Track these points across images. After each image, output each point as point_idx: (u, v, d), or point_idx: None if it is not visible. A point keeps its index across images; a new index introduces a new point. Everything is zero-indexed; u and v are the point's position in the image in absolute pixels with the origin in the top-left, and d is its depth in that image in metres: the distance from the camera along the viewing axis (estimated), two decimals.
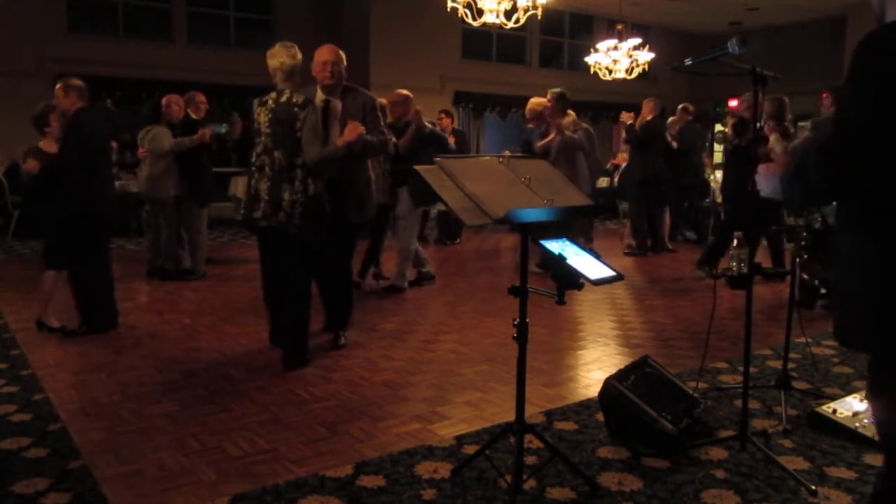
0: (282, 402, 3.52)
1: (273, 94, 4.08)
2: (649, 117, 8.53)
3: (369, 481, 2.67)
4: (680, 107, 9.17)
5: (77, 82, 4.74)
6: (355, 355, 4.34)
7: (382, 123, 4.60)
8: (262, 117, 4.06)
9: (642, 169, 8.44)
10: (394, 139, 5.28)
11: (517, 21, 8.40)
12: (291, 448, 2.99)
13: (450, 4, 8.19)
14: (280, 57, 4.02)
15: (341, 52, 4.42)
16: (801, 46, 14.72)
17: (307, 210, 4.00)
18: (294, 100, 4.00)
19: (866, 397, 3.06)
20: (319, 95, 4.33)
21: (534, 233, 2.60)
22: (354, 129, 4.08)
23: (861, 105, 1.58)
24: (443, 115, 9.35)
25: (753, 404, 3.48)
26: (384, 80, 12.88)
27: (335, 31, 13.56)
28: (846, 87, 1.65)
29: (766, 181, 1.87)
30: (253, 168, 4.11)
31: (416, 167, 2.52)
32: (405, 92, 6.40)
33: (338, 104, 4.32)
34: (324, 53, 4.36)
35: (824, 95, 6.07)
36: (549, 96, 7.01)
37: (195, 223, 6.83)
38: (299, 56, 4.10)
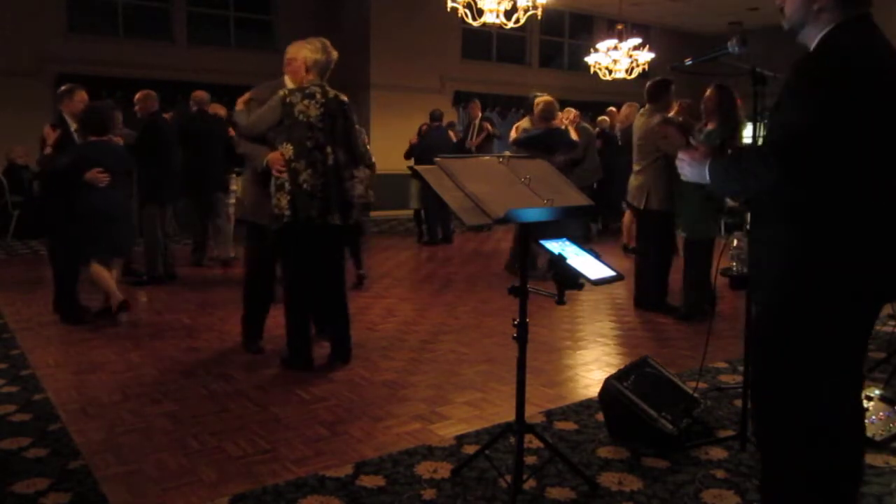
0: (282, 402, 3.52)
1: (317, 89, 3.90)
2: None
3: (369, 481, 2.68)
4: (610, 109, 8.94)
5: None
6: (355, 355, 4.33)
7: None
8: (312, 111, 3.84)
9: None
10: None
11: (517, 21, 8.40)
12: (291, 448, 2.99)
13: (450, 4, 8.20)
14: (320, 52, 3.94)
15: None
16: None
17: (358, 205, 4.30)
18: (340, 97, 3.98)
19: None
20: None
21: (534, 234, 2.60)
22: None
23: (806, 111, 1.81)
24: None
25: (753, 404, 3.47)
26: (384, 80, 12.90)
27: (335, 31, 13.52)
28: (790, 97, 1.88)
29: (690, 168, 2.01)
30: (296, 164, 3.82)
31: (416, 167, 2.52)
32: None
33: None
34: None
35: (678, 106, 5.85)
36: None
37: (148, 225, 6.49)
38: (333, 55, 4.04)
